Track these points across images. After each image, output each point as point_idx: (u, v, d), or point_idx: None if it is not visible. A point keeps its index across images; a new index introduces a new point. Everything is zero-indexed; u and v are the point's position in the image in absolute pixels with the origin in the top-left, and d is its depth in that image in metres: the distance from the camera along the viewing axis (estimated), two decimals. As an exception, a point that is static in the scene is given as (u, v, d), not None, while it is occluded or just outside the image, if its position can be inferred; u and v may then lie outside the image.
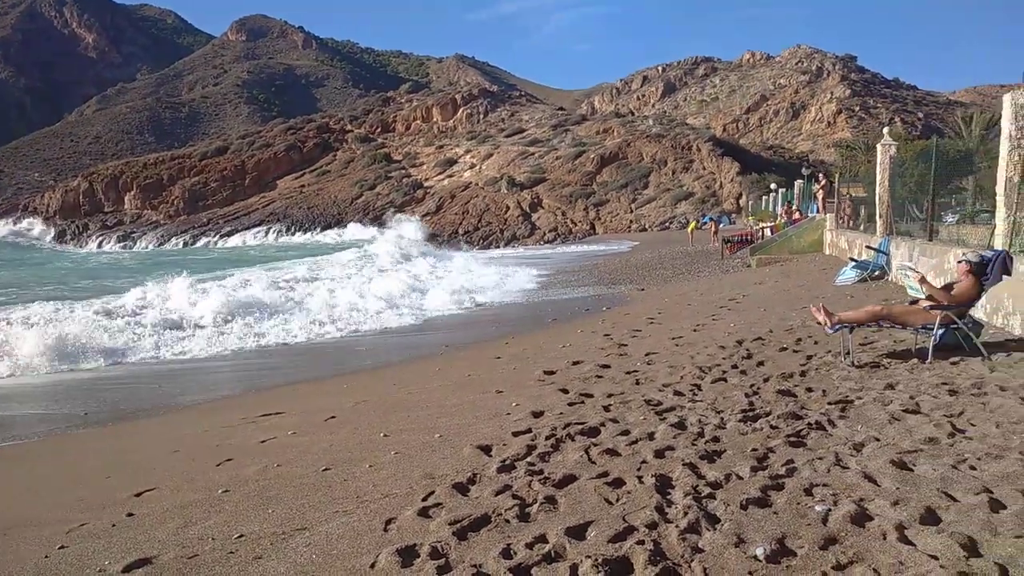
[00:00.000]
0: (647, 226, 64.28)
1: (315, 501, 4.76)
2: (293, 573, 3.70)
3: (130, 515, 4.87)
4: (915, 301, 7.64)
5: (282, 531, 4.26)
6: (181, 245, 66.19)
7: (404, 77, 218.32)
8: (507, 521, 4.10)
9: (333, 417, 7.54)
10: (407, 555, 3.75)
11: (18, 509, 5.47)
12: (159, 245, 66.91)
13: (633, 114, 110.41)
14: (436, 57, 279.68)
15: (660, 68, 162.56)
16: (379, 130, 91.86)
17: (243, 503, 4.85)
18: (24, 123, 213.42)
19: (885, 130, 19.94)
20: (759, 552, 3.47)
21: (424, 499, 4.54)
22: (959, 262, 7.65)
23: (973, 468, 4.30)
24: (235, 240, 66.78)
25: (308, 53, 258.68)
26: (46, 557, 4.22)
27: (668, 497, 4.26)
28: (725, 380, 7.34)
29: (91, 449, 7.52)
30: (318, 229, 66.91)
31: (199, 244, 66.49)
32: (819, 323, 7.60)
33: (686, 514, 3.93)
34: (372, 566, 3.69)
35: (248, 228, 68.92)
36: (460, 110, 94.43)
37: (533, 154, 79.04)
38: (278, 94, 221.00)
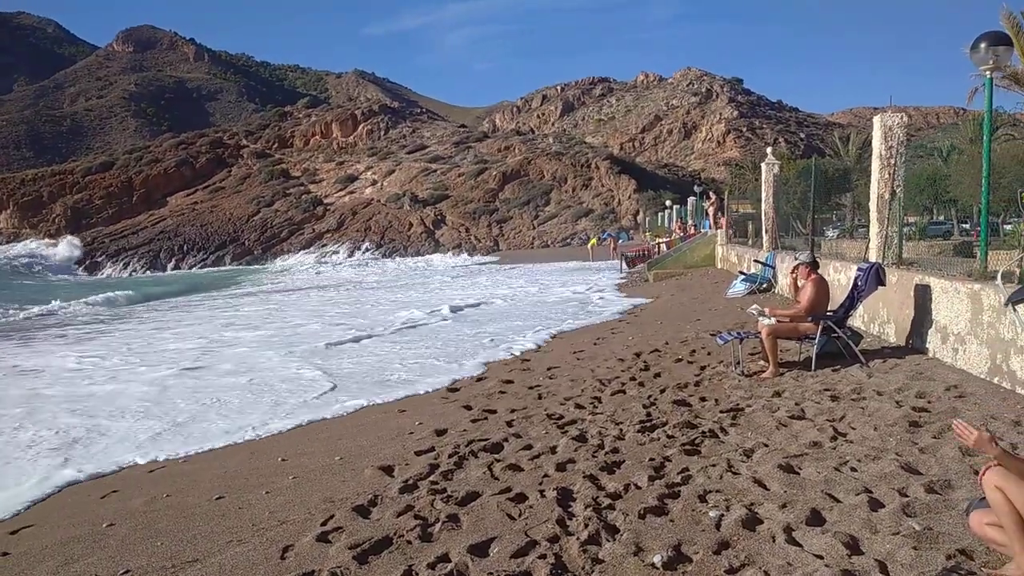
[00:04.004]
0: (549, 242, 65.20)
1: (207, 531, 4.57)
2: (183, 608, 3.53)
3: (4, 555, 4.54)
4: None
5: (171, 564, 4.06)
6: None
7: (302, 92, 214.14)
8: (409, 542, 4.05)
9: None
10: (305, 582, 3.64)
11: None
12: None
13: (534, 132, 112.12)
14: (335, 72, 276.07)
15: (559, 87, 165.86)
16: (276, 145, 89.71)
17: (129, 536, 4.60)
18: None
19: (769, 150, 20.99)
20: (657, 560, 3.56)
21: (323, 524, 4.43)
22: (796, 266, 8.13)
23: (854, 469, 4.55)
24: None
25: (200, 66, 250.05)
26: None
27: (569, 510, 4.31)
28: (624, 392, 7.51)
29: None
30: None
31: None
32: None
33: (587, 526, 3.99)
34: (269, 596, 3.57)
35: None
36: (360, 126, 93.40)
37: (435, 171, 78.98)
38: (168, 108, 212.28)
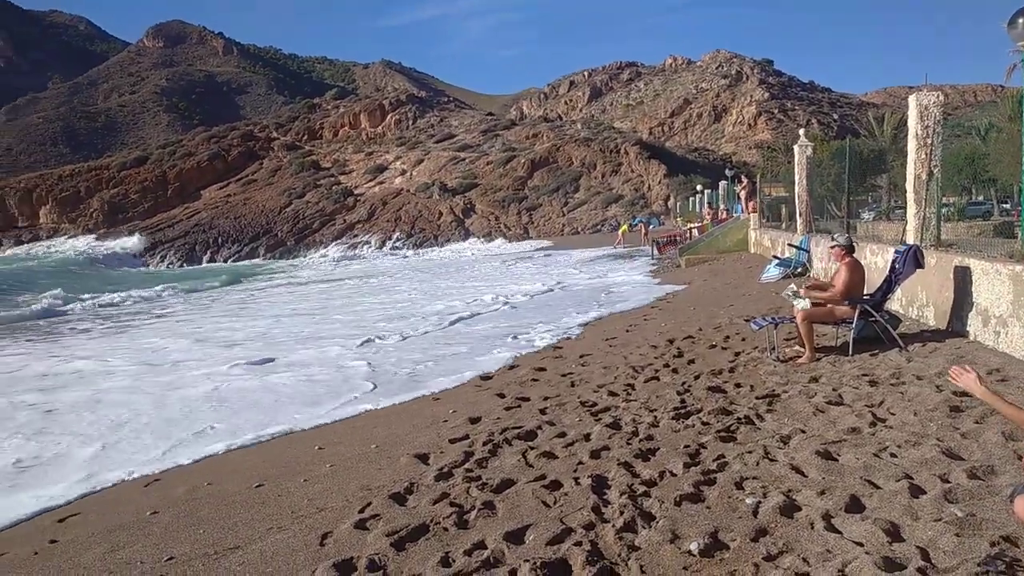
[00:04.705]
0: (579, 229, 64.96)
1: (248, 519, 4.65)
2: (227, 594, 3.61)
3: (53, 542, 4.66)
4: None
5: (214, 551, 4.14)
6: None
7: (330, 83, 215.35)
8: (445, 529, 4.08)
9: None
10: (344, 569, 3.70)
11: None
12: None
13: (561, 119, 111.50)
14: (362, 63, 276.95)
15: (586, 73, 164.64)
16: (306, 137, 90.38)
17: (173, 524, 4.70)
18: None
19: (801, 132, 20.65)
20: (693, 547, 3.55)
21: (361, 511, 4.48)
22: (831, 247, 8.03)
23: (894, 456, 4.49)
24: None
25: (229, 60, 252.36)
26: (-41, 593, 4.01)
27: (604, 497, 4.31)
28: (658, 379, 7.47)
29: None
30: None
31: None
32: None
33: (622, 513, 3.99)
34: (309, 582, 3.63)
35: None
36: (388, 116, 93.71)
37: (464, 159, 79.03)
38: (199, 102, 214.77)
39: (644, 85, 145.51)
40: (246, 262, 60.32)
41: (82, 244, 67.66)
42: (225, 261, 62.41)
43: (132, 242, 65.11)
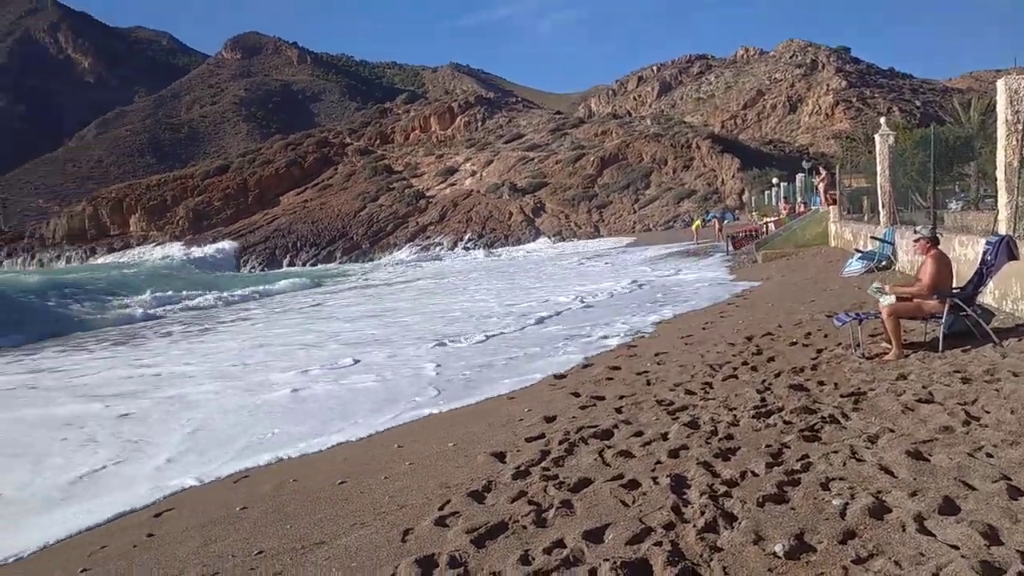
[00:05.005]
0: (651, 226, 64.22)
1: (332, 515, 4.77)
2: (314, 588, 3.71)
3: (150, 535, 4.89)
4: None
5: (301, 546, 4.27)
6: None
7: (400, 88, 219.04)
8: (524, 527, 4.10)
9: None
10: (426, 565, 3.75)
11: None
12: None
13: (630, 115, 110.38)
14: (431, 67, 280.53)
15: (655, 68, 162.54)
16: (378, 142, 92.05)
17: (261, 519, 4.87)
18: (24, 150, 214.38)
19: (882, 120, 19.90)
20: (778, 549, 3.47)
21: (440, 508, 4.55)
22: (915, 240, 7.69)
23: (990, 456, 4.29)
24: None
25: (303, 68, 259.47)
26: (69, 582, 4.25)
27: (684, 497, 4.26)
28: (736, 377, 7.33)
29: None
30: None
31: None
32: None
33: (703, 513, 3.93)
34: (392, 577, 3.70)
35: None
36: (458, 118, 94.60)
37: (533, 159, 79.13)
38: (276, 110, 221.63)
39: (715, 78, 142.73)
40: (323, 266, 61.84)
41: (169, 250, 70.61)
42: (303, 265, 64.11)
43: (223, 247, 67.61)
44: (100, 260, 70.40)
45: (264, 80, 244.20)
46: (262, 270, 62.75)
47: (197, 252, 66.81)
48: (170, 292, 30.68)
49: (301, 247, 68.04)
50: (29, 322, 21.46)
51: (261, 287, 33.81)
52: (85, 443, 7.80)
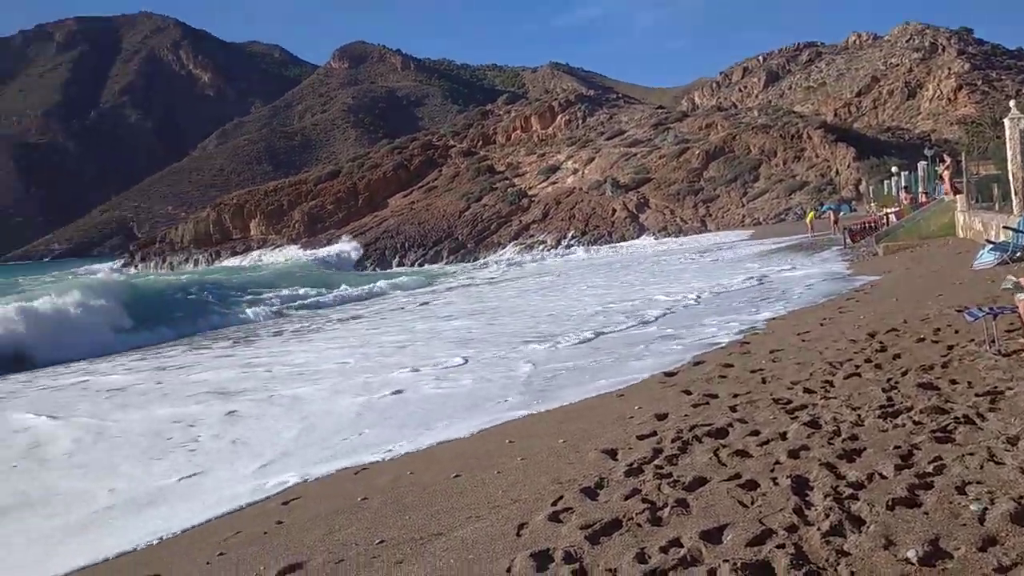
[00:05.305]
0: (761, 219, 62.20)
1: (448, 507, 4.88)
2: (433, 578, 3.81)
3: (279, 523, 5.15)
4: None
5: (419, 536, 4.39)
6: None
7: (500, 89, 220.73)
8: (639, 525, 4.07)
9: (458, 426, 7.70)
10: (542, 559, 3.78)
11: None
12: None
13: (736, 107, 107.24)
14: (530, 67, 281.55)
15: (761, 58, 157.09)
16: (480, 143, 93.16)
17: (381, 510, 5.03)
18: (153, 162, 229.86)
19: (1012, 103, 18.53)
20: (911, 555, 3.31)
21: (554, 504, 4.57)
22: None
23: None
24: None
25: (407, 74, 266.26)
26: (208, 563, 4.53)
27: (806, 499, 4.12)
28: (859, 375, 7.02)
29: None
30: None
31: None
32: None
33: (827, 516, 3.79)
34: (508, 570, 3.75)
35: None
36: (558, 117, 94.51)
37: (635, 154, 78.12)
38: (382, 116, 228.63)
39: (826, 65, 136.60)
40: (429, 266, 63.18)
41: (287, 253, 73.83)
42: (411, 265, 65.66)
43: (345, 248, 70.08)
44: (224, 263, 74.35)
45: (370, 87, 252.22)
46: (373, 270, 64.67)
47: (321, 253, 69.55)
48: (302, 290, 32.11)
49: (409, 248, 69.73)
50: (189, 317, 23.65)
51: (373, 286, 34.93)
52: (216, 437, 8.30)
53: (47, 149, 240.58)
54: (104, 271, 76.82)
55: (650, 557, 3.66)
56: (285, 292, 31.34)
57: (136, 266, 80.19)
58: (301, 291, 31.78)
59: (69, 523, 6.03)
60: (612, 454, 5.55)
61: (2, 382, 14.16)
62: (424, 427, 7.77)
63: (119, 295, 24.18)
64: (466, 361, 11.54)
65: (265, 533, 4.95)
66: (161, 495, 6.51)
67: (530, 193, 77.61)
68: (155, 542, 5.30)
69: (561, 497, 4.67)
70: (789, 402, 6.34)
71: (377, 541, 4.41)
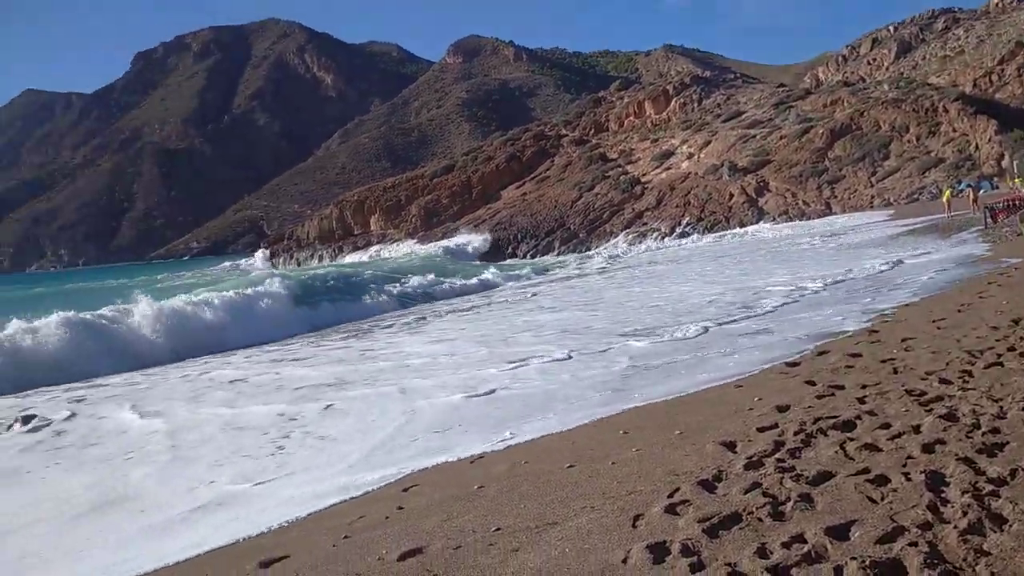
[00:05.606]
0: (891, 200, 58.77)
1: (563, 497, 4.90)
2: (549, 566, 3.84)
3: (400, 508, 5.33)
4: None
5: (535, 525, 4.43)
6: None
7: (613, 75, 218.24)
8: (760, 520, 3.96)
9: (572, 416, 7.72)
10: (658, 552, 3.74)
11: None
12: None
13: (864, 81, 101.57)
14: (643, 51, 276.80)
15: (891, 28, 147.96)
16: (592, 131, 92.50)
17: (497, 498, 5.11)
18: (281, 162, 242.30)
19: None
20: (1062, 557, 3.06)
21: (670, 496, 4.50)
22: None
23: None
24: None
25: (519, 65, 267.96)
26: (334, 546, 4.75)
27: (942, 495, 3.89)
28: (1001, 364, 6.54)
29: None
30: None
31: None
32: None
33: (965, 514, 3.57)
34: (624, 561, 3.73)
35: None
36: (673, 101, 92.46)
37: (754, 136, 75.41)
38: (495, 108, 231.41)
39: (964, 32, 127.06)
40: (541, 258, 63.43)
41: (405, 247, 76.04)
42: (523, 256, 66.17)
43: (468, 239, 71.48)
44: (347, 258, 77.39)
45: (484, 80, 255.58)
46: (488, 261, 65.60)
47: (443, 245, 71.26)
48: (427, 279, 33.06)
49: (521, 239, 70.22)
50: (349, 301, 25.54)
51: (485, 277, 35.44)
52: (334, 425, 8.70)
53: (185, 154, 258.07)
54: (256, 264, 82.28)
55: (772, 552, 3.56)
56: (415, 280, 32.25)
57: (271, 261, 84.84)
58: (426, 280, 32.62)
59: (196, 504, 6.48)
60: (731, 446, 5.42)
61: (225, 367, 14.88)
62: (535, 418, 7.83)
63: (292, 286, 26.30)
64: (570, 354, 11.53)
65: (387, 518, 5.14)
66: (286, 479, 6.88)
67: (643, 180, 76.52)
68: (285, 524, 5.60)
69: (678, 489, 4.60)
70: (923, 393, 5.98)
71: (493, 528, 4.48)
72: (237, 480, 7.02)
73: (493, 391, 9.43)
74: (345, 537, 4.86)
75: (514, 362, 11.17)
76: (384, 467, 6.73)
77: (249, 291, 24.06)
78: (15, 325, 17.14)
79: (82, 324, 17.89)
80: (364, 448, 7.57)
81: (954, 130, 64.81)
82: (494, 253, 68.73)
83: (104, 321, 18.67)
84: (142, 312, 19.29)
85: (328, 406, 9.64)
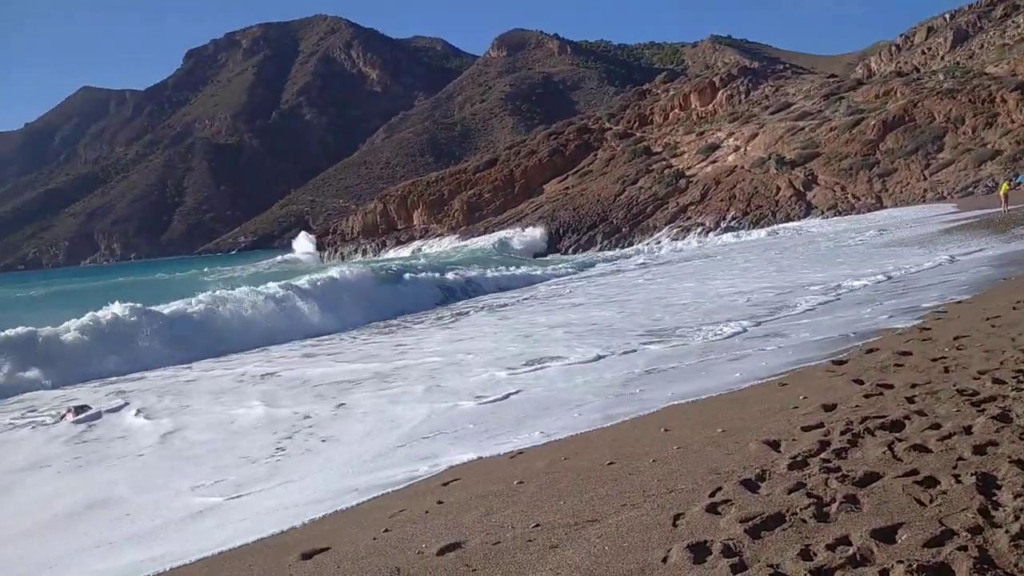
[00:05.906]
0: (945, 193, 57.16)
1: (603, 494, 4.88)
2: (588, 563, 3.82)
3: (440, 503, 5.37)
4: None
5: (575, 522, 4.43)
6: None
7: (658, 67, 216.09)
8: (803, 520, 3.89)
9: (613, 412, 7.69)
10: (699, 551, 3.70)
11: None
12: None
13: (918, 71, 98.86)
14: (690, 42, 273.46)
15: (947, 16, 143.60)
16: (636, 124, 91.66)
17: (537, 494, 5.12)
18: (326, 157, 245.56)
19: None
20: (1122, 567, 2.95)
21: (711, 495, 4.45)
22: None
23: None
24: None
25: (563, 58, 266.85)
26: (374, 539, 4.80)
27: (993, 499, 3.78)
28: (1059, 365, 6.32)
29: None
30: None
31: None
32: None
33: (1018, 518, 3.46)
34: (664, 560, 3.70)
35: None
36: (719, 92, 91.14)
37: (803, 128, 73.92)
38: (538, 102, 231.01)
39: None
40: (583, 253, 63.14)
41: (447, 242, 76.43)
42: (565, 252, 65.94)
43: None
44: (390, 253, 78.08)
45: (527, 74, 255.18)
46: (532, 256, 65.55)
47: (482, 240, 71.46)
48: (472, 272, 33.47)
49: (564, 233, 69.97)
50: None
51: (530, 271, 35.55)
52: (367, 415, 8.80)
53: (234, 149, 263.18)
54: (300, 254, 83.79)
55: (816, 554, 3.50)
56: (453, 274, 32.43)
57: (318, 253, 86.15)
58: (472, 273, 32.78)
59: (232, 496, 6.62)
60: (774, 445, 5.33)
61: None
62: (573, 414, 7.83)
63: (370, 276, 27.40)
64: (606, 351, 11.47)
65: (427, 512, 5.18)
66: (352, 469, 7.00)
67: (688, 173, 75.62)
68: (329, 514, 5.69)
69: (719, 488, 4.55)
70: (975, 393, 5.81)
71: (533, 524, 4.49)
72: (274, 470, 7.15)
73: (537, 387, 9.46)
74: (385, 530, 4.91)
75: (546, 359, 11.19)
76: (427, 461, 6.80)
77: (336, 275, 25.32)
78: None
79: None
80: (403, 443, 7.64)
81: (1012, 121, 62.70)
82: (543, 248, 68.45)
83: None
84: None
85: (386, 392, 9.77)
